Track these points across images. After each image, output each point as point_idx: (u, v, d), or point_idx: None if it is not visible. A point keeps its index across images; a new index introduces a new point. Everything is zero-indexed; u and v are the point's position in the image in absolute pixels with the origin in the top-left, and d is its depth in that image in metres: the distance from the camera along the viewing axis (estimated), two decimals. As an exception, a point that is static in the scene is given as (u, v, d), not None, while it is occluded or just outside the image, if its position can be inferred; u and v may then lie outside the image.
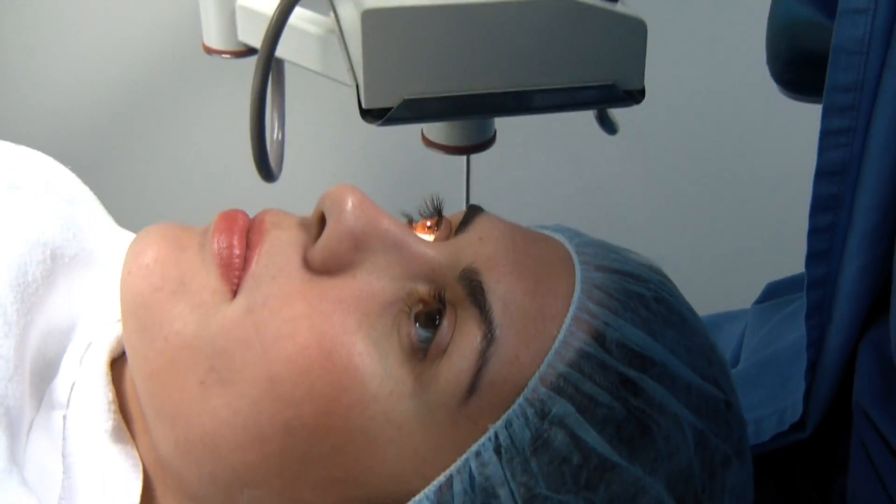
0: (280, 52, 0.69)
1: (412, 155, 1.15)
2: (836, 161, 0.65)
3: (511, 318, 0.55)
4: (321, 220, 0.58)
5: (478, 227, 0.60)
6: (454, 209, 0.65)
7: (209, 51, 0.82)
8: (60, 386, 0.62)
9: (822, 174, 0.66)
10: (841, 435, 0.73)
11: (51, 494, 0.57)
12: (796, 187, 1.53)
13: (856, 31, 0.62)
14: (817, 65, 0.65)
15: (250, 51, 0.80)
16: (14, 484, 0.53)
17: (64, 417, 0.60)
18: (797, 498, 0.80)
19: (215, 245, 0.57)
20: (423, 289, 0.57)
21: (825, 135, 0.65)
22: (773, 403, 0.79)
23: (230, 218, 0.58)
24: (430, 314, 0.56)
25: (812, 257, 0.69)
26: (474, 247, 0.58)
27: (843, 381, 0.71)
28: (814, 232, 0.68)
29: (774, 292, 0.99)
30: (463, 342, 0.55)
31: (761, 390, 0.81)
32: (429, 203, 0.63)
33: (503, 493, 0.54)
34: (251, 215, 0.60)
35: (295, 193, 0.94)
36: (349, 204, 0.57)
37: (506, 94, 0.60)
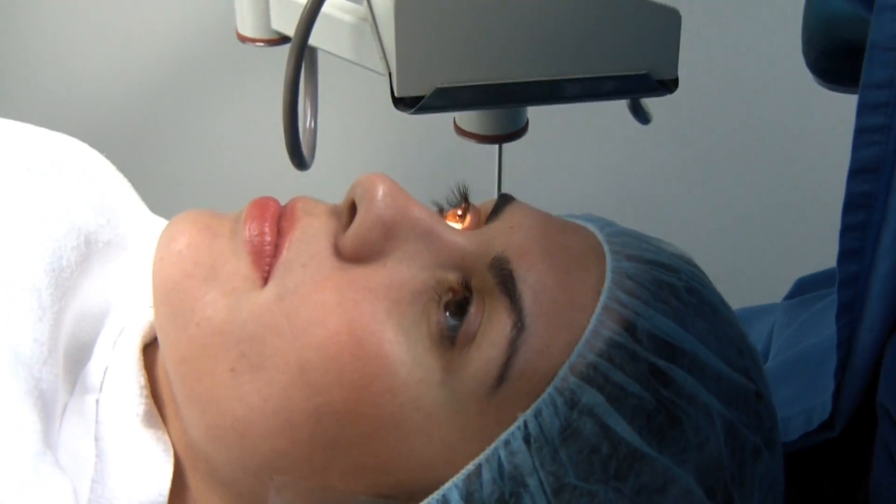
0: (313, 40, 0.69)
1: (444, 144, 1.15)
2: (870, 158, 0.64)
3: (541, 307, 0.55)
4: (352, 208, 0.58)
5: (508, 215, 0.60)
6: (485, 198, 0.65)
7: (243, 39, 0.82)
8: (94, 370, 0.62)
9: (855, 171, 0.65)
10: (869, 435, 0.72)
11: (83, 477, 0.58)
12: (829, 180, 1.52)
13: (893, 27, 0.61)
14: (854, 55, 0.65)
15: (283, 39, 0.80)
16: (48, 466, 0.54)
17: (97, 401, 0.61)
18: (822, 500, 0.80)
19: (247, 232, 0.57)
20: (453, 277, 0.57)
21: (859, 132, 0.64)
22: (801, 402, 0.78)
23: (262, 205, 0.58)
24: (460, 303, 0.56)
25: (844, 255, 0.68)
26: (505, 235, 0.58)
27: (873, 380, 0.71)
28: (846, 230, 0.67)
29: (804, 288, 0.99)
30: (493, 331, 0.55)
31: (790, 389, 0.81)
32: (455, 191, 0.63)
33: (532, 482, 0.54)
34: (283, 203, 0.60)
35: (327, 182, 0.95)
36: (380, 192, 0.57)
37: (538, 83, 0.60)
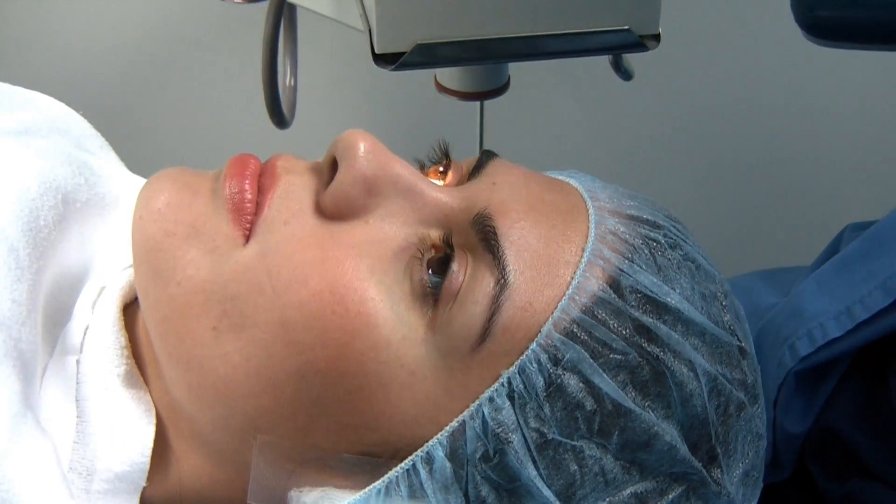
0: (292, -4, 0.69)
1: (425, 101, 1.15)
2: None
3: (524, 263, 0.55)
4: (333, 165, 0.58)
5: (491, 172, 0.60)
6: (468, 156, 0.65)
7: (221, -5, 0.81)
8: (74, 331, 0.62)
9: None
10: None
11: (64, 438, 0.58)
12: (817, 135, 1.52)
13: None
14: (847, 7, 0.63)
15: (262, -5, 0.79)
16: (29, 427, 0.54)
17: (77, 362, 0.60)
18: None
19: (227, 190, 0.57)
20: (435, 234, 0.57)
21: None
22: (879, 275, 0.78)
23: (242, 163, 0.58)
24: (443, 260, 0.56)
25: None
26: (488, 192, 0.58)
27: None
28: None
29: (859, 228, 0.98)
30: (476, 288, 0.54)
31: (864, 267, 0.81)
32: (436, 148, 0.62)
33: (516, 438, 0.54)
34: (263, 160, 0.60)
35: (307, 140, 0.94)
36: (361, 148, 0.56)
37: (519, 38, 0.60)
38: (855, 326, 0.77)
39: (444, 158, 0.62)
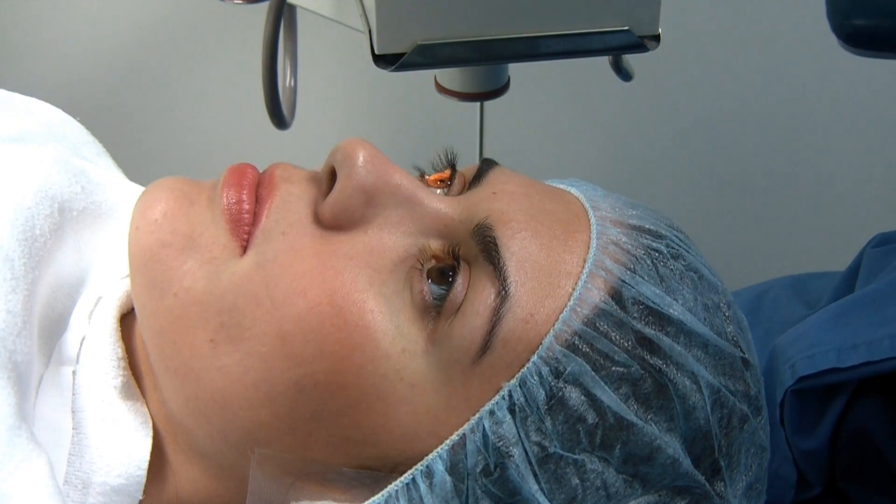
0: (291, -2, 0.68)
1: (425, 102, 1.14)
2: None
3: (525, 274, 0.54)
4: (332, 175, 0.57)
5: (492, 181, 0.59)
6: (468, 159, 0.64)
7: (220, -4, 0.81)
8: (70, 341, 0.61)
9: None
10: None
11: (61, 450, 0.57)
12: (820, 133, 1.51)
13: None
14: (885, 16, 0.62)
15: (262, -4, 0.79)
16: (23, 440, 0.53)
17: (73, 373, 0.60)
18: None
19: (224, 200, 0.56)
20: (435, 245, 0.56)
21: None
22: (892, 324, 0.79)
23: (239, 172, 0.57)
24: (443, 271, 0.55)
25: None
26: (488, 202, 0.57)
27: None
28: None
29: (889, 239, 0.98)
30: (476, 299, 0.54)
31: (882, 310, 0.82)
32: (442, 156, 0.62)
33: (517, 452, 0.53)
34: (265, 164, 0.60)
35: (307, 141, 0.94)
36: (360, 158, 0.56)
37: (519, 38, 0.60)
38: (858, 364, 0.77)
39: (448, 168, 0.62)
